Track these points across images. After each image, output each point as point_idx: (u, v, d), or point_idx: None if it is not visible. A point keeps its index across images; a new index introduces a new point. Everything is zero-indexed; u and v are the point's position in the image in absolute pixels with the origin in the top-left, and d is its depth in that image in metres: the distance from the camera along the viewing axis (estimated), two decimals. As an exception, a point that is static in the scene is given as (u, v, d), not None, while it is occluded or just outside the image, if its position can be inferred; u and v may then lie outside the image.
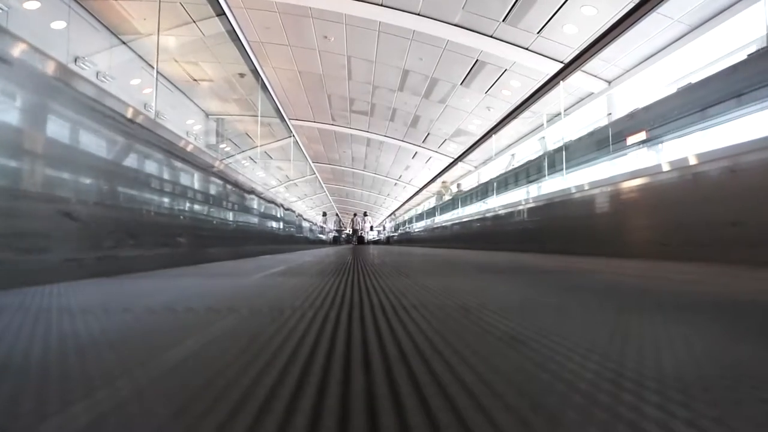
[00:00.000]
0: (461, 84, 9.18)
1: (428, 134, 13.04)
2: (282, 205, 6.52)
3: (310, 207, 21.89)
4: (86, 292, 1.33)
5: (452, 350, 0.64)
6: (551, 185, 5.57)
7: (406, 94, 10.46)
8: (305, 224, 9.82)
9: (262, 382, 0.50)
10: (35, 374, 0.54)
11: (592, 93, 7.52)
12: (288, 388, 0.48)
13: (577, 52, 5.63)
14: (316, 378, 0.52)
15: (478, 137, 10.33)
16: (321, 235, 14.05)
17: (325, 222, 19.12)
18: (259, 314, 0.96)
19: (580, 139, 5.54)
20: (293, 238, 7.53)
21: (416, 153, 15.19)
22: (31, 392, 0.47)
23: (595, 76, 7.14)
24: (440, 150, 14.26)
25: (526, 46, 7.13)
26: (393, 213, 23.16)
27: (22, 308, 1.00)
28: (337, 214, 24.81)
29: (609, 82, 7.17)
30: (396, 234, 19.66)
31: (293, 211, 7.88)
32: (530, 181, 6.34)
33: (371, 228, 24.04)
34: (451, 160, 13.56)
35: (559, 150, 5.68)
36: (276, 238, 5.91)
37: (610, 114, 7.30)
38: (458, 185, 11.78)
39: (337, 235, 20.09)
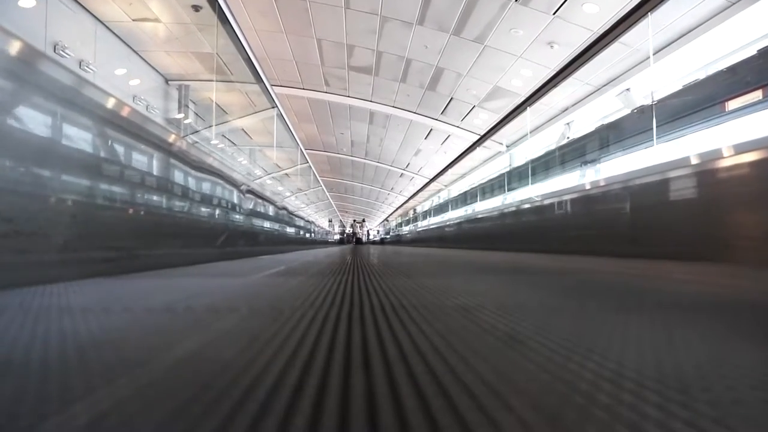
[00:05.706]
0: None
1: (451, 99, 9.90)
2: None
3: (305, 204, 19.69)
4: (87, 292, 1.33)
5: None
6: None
7: (428, 29, 7.32)
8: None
9: (262, 382, 0.49)
10: (35, 374, 0.53)
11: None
12: (288, 388, 0.47)
13: None
14: (316, 378, 0.50)
15: (530, 92, 7.23)
16: (326, 237, 18.85)
17: (331, 227, 24.75)
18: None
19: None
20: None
21: (431, 130, 12.08)
22: (31, 392, 0.46)
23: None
24: (463, 124, 11.14)
25: None
26: (385, 219, 27.38)
27: (22, 308, 0.99)
28: (341, 221, 29.99)
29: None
30: (388, 236, 24.09)
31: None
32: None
33: (367, 232, 30.16)
34: (477, 137, 10.51)
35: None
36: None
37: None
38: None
39: (342, 237, 25.25)
